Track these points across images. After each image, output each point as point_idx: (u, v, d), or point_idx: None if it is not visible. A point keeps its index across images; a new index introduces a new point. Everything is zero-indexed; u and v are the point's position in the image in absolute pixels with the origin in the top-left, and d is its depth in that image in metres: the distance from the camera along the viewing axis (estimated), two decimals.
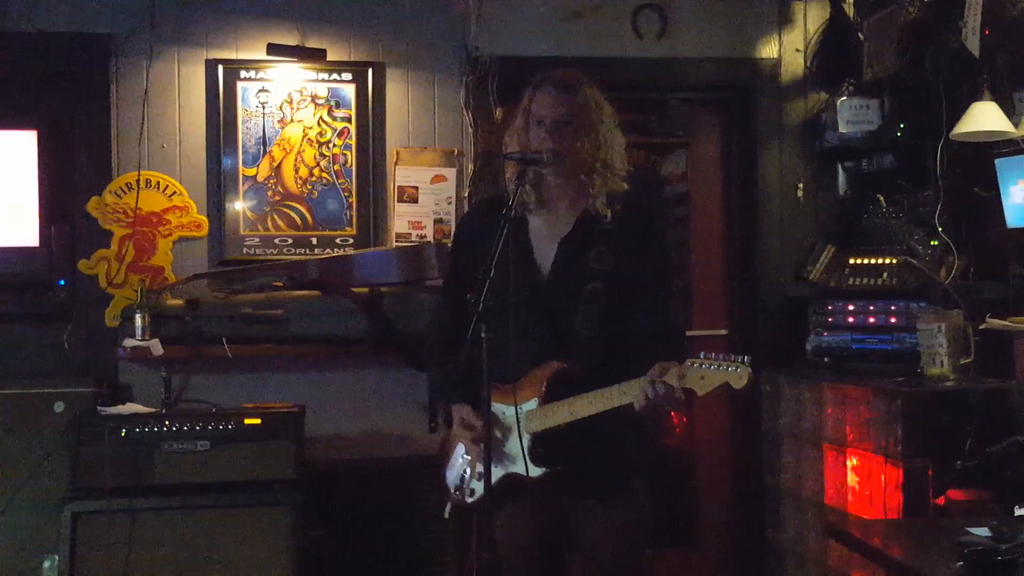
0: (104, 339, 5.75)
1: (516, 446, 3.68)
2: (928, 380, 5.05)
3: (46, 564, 5.18)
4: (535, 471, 3.68)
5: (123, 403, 5.43)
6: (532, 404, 3.70)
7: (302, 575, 5.06)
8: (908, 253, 5.59)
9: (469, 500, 3.78)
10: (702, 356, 3.42)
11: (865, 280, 5.69)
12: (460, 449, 3.92)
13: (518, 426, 3.67)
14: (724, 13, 6.33)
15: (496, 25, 6.07)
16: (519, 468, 3.69)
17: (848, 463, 5.25)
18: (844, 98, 5.99)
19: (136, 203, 5.78)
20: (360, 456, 5.85)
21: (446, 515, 3.93)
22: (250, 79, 5.95)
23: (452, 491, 3.92)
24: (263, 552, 5.03)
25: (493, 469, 3.72)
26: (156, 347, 5.46)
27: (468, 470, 3.82)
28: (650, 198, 6.38)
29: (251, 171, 5.94)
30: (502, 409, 3.71)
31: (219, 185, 5.91)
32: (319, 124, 5.99)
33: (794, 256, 6.25)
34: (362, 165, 6.02)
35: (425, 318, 5.58)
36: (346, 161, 6.01)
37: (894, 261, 5.63)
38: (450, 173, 6.07)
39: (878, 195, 5.93)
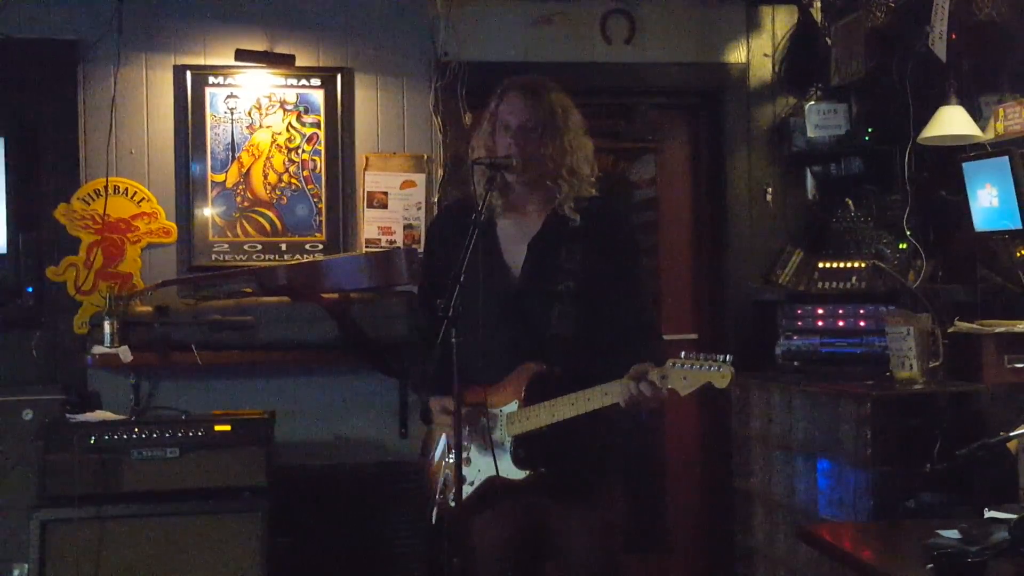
0: (72, 346, 5.71)
1: (498, 449, 3.68)
2: (897, 383, 5.07)
3: (15, 573, 5.15)
4: (517, 474, 3.67)
5: (92, 410, 5.41)
6: (512, 407, 3.69)
7: None
8: (876, 257, 5.62)
9: (453, 504, 3.76)
10: (683, 356, 3.42)
11: (834, 284, 5.72)
12: (440, 451, 3.91)
13: (489, 429, 3.67)
14: (692, 18, 6.36)
15: (465, 31, 6.07)
16: (501, 471, 3.68)
17: (818, 466, 5.26)
18: (812, 103, 6.04)
19: (104, 209, 5.75)
20: (331, 462, 5.85)
21: (432, 520, 3.91)
22: (218, 85, 5.93)
23: (435, 495, 3.90)
24: (233, 559, 5.02)
25: (476, 473, 3.73)
26: (125, 354, 5.44)
27: (450, 473, 3.80)
28: (617, 200, 6.39)
29: (220, 177, 5.93)
30: (482, 412, 3.70)
31: (188, 191, 5.89)
32: (288, 130, 5.98)
33: (763, 260, 6.27)
34: (331, 171, 6.01)
35: (395, 323, 5.59)
36: (315, 167, 6.00)
37: (863, 265, 5.65)
38: (420, 178, 6.06)
39: (846, 199, 5.97)
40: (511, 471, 3.68)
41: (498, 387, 3.71)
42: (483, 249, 3.61)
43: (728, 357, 3.34)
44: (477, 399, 3.66)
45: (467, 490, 3.69)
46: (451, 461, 3.74)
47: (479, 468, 3.74)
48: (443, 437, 3.91)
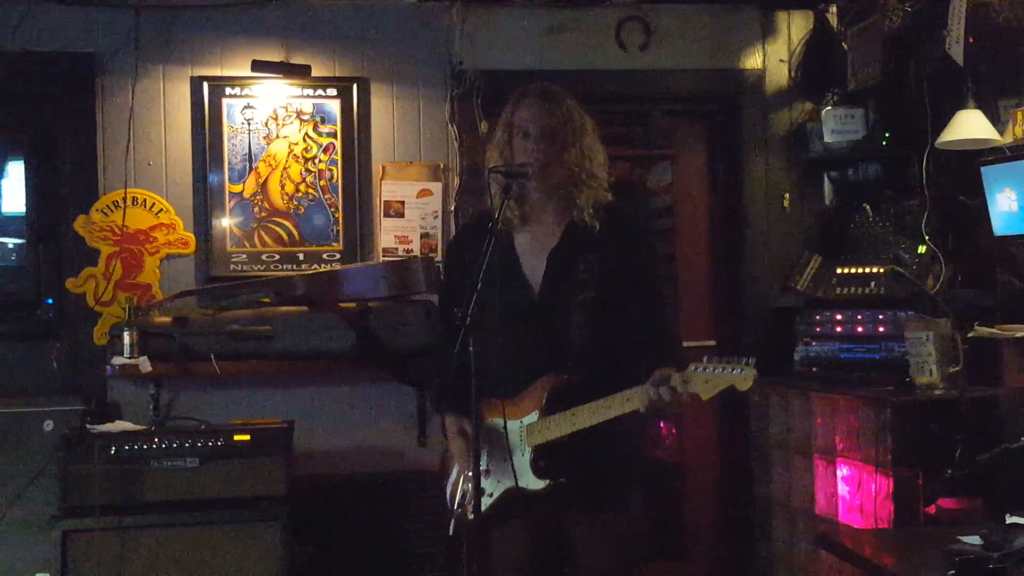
0: (92, 357, 5.74)
1: (518, 460, 3.68)
2: (917, 389, 5.05)
3: None
4: (537, 484, 3.67)
5: (112, 421, 5.43)
6: (532, 417, 3.68)
7: None
8: (895, 262, 5.59)
9: (472, 516, 3.75)
10: (705, 360, 3.42)
11: (852, 289, 5.70)
12: (460, 464, 3.91)
13: (508, 440, 3.67)
14: (708, 24, 6.35)
15: (480, 39, 6.08)
16: (521, 482, 3.68)
17: (838, 473, 5.25)
18: (829, 108, 6.02)
19: (123, 221, 5.78)
20: (349, 471, 5.86)
21: (450, 532, 3.91)
22: (235, 96, 5.95)
23: (454, 508, 3.90)
24: (253, 568, 5.03)
25: (495, 484, 3.72)
26: (144, 364, 5.45)
27: (469, 486, 3.80)
28: (635, 207, 6.38)
29: (237, 187, 5.94)
30: (502, 423, 3.69)
31: (206, 202, 5.91)
32: (305, 140, 5.99)
33: (781, 266, 6.26)
34: (348, 180, 6.02)
35: (412, 332, 5.59)
36: (332, 176, 6.01)
37: (881, 270, 5.63)
38: (436, 187, 6.07)
39: (864, 204, 5.94)
40: (531, 482, 3.68)
41: (518, 398, 3.71)
42: (502, 264, 3.62)
43: (751, 359, 3.34)
44: (497, 410, 3.66)
45: (486, 501, 3.70)
46: (470, 474, 3.74)
47: (498, 479, 3.74)
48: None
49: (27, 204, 5.70)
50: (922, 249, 5.51)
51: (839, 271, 5.83)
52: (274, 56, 5.94)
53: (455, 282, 3.92)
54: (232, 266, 5.94)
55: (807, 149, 6.20)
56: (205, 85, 5.92)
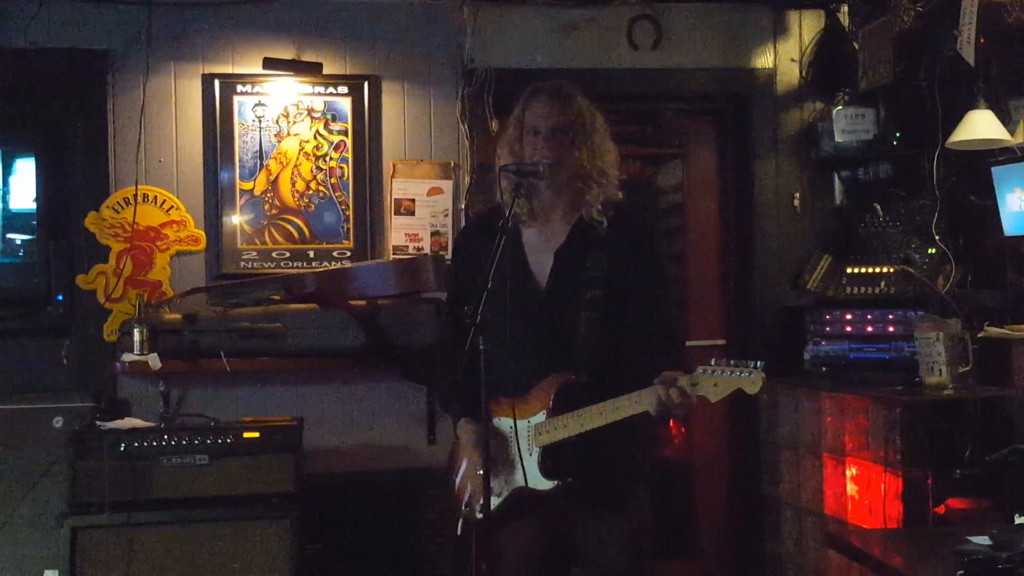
0: (102, 354, 5.74)
1: (526, 460, 3.67)
2: (927, 389, 5.04)
3: None
4: (545, 484, 3.67)
5: (122, 418, 5.43)
6: (540, 417, 3.68)
7: None
8: (905, 262, 5.59)
9: (480, 515, 3.75)
10: (713, 363, 3.41)
11: (862, 289, 5.70)
12: (467, 465, 3.90)
13: (518, 440, 3.67)
14: (719, 23, 6.34)
15: (491, 38, 6.08)
16: (529, 482, 3.67)
17: (847, 472, 5.25)
18: (840, 107, 6.01)
19: (134, 218, 5.78)
20: (358, 468, 5.86)
21: (458, 531, 3.90)
22: (246, 93, 5.95)
23: (462, 507, 3.89)
24: (262, 565, 5.04)
25: (503, 484, 3.71)
26: (154, 361, 5.46)
27: (477, 486, 3.79)
28: (643, 205, 6.38)
29: (248, 185, 5.95)
30: (510, 423, 3.69)
31: (216, 199, 5.92)
32: (316, 137, 6.00)
33: (791, 266, 6.24)
34: (359, 178, 6.02)
35: (422, 330, 5.60)
36: (343, 174, 6.01)
37: (891, 270, 5.63)
38: (447, 185, 6.07)
39: (875, 204, 5.94)
40: (539, 482, 3.67)
41: (525, 398, 3.70)
42: (509, 260, 3.60)
43: (759, 363, 3.33)
44: (504, 410, 3.66)
45: (495, 501, 3.68)
46: (479, 473, 3.73)
47: (506, 479, 3.73)
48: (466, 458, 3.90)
49: (38, 200, 5.72)
50: (932, 249, 5.52)
51: (849, 271, 5.83)
52: (285, 54, 5.94)
53: (463, 280, 3.92)
54: (242, 263, 5.94)
55: (818, 148, 6.19)
56: (216, 82, 5.92)
